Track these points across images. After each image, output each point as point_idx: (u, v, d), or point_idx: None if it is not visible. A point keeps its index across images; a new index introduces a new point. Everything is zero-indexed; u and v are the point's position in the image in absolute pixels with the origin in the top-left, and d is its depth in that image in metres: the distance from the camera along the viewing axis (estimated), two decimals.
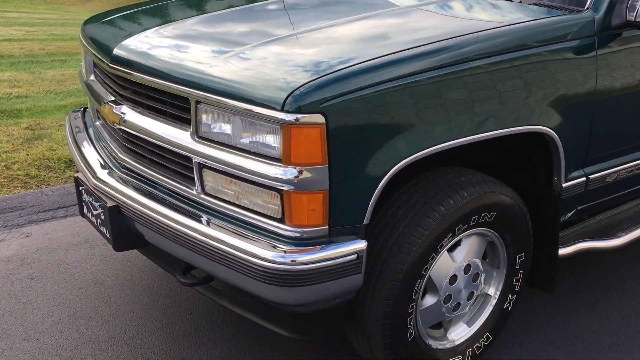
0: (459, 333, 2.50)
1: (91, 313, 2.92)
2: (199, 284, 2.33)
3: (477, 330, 2.52)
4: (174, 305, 2.97)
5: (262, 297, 2.04)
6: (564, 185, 2.50)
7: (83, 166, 2.62)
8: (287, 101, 1.83)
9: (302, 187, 1.88)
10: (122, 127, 2.38)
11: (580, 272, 3.27)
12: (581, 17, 2.41)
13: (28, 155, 4.73)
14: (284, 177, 1.88)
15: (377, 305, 2.14)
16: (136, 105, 2.36)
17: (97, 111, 2.69)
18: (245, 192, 2.01)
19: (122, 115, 2.36)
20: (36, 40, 9.57)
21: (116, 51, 2.41)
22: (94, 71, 2.80)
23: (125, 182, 2.40)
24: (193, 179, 2.14)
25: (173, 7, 3.18)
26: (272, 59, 2.14)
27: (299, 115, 1.83)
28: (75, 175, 2.65)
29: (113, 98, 2.48)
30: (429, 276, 2.25)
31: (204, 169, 2.09)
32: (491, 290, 2.53)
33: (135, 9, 3.10)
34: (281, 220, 1.95)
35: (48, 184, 4.36)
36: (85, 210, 2.62)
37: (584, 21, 2.40)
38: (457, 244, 2.32)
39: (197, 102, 2.04)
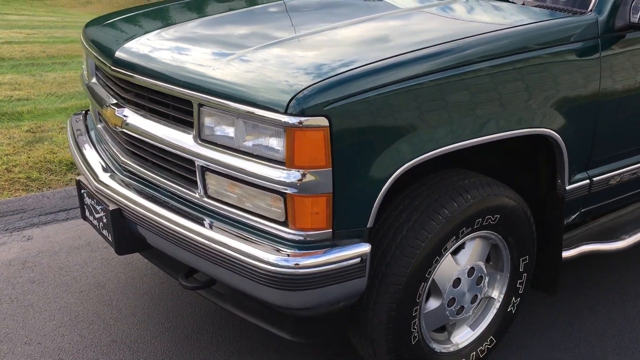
0: (463, 336, 2.49)
1: (93, 316, 2.91)
2: (202, 288, 2.32)
3: (481, 334, 2.52)
4: (175, 309, 2.96)
5: (265, 300, 2.03)
6: (567, 187, 2.49)
7: (85, 169, 2.61)
8: (291, 104, 1.83)
9: (306, 190, 1.87)
10: (124, 130, 2.37)
11: (582, 274, 3.26)
12: (584, 19, 2.40)
13: (29, 158, 4.72)
14: (288, 180, 1.87)
15: (381, 309, 2.13)
16: (138, 108, 2.35)
17: (99, 114, 2.68)
18: (248, 195, 2.00)
19: (124, 118, 2.35)
20: (37, 43, 9.56)
21: (118, 54, 2.40)
22: (96, 74, 2.79)
23: (128, 185, 2.39)
24: (196, 182, 2.13)
25: (175, 9, 3.18)
26: (274, 62, 2.14)
27: (302, 118, 1.82)
28: (77, 178, 2.65)
29: (115, 101, 2.47)
30: (433, 279, 2.24)
31: (207, 172, 2.08)
32: (495, 294, 2.52)
33: (137, 12, 3.10)
34: (284, 224, 1.94)
35: (49, 187, 4.35)
36: (87, 213, 2.61)
37: (587, 23, 2.39)
38: (461, 247, 2.31)
39: (200, 105, 2.03)
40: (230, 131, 1.99)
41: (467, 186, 2.21)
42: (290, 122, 1.82)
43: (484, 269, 2.41)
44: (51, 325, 2.85)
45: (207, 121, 2.04)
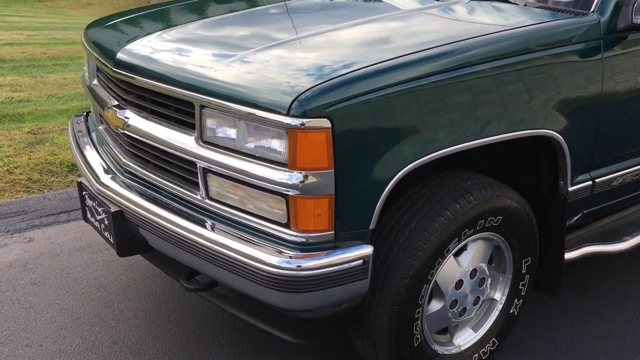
0: (465, 338, 2.49)
1: (94, 318, 2.90)
2: (204, 290, 2.31)
3: (483, 336, 2.51)
4: (177, 311, 2.96)
5: (267, 302, 2.03)
6: (570, 189, 2.49)
7: (86, 171, 2.61)
8: (293, 105, 1.82)
9: (308, 192, 1.87)
10: (125, 132, 2.37)
11: (584, 275, 3.26)
12: (587, 20, 2.40)
13: (30, 159, 4.72)
14: (290, 182, 1.86)
15: (383, 311, 2.12)
16: (140, 109, 2.35)
17: (100, 115, 2.68)
18: (250, 197, 2.00)
19: (126, 119, 2.35)
20: (37, 44, 9.56)
21: (119, 55, 2.40)
22: (97, 75, 2.79)
23: (129, 187, 2.39)
24: (197, 184, 2.13)
25: (176, 11, 3.18)
26: (276, 63, 2.13)
27: (304, 120, 1.82)
28: (78, 179, 2.65)
29: (116, 102, 2.47)
30: (435, 281, 2.24)
31: (209, 174, 2.08)
32: (497, 295, 2.51)
33: (138, 13, 3.10)
34: (287, 226, 1.94)
35: (50, 189, 4.35)
36: (88, 215, 2.61)
37: (590, 24, 2.39)
38: (463, 248, 2.31)
39: (202, 107, 2.03)
40: (232, 133, 1.99)
41: (470, 188, 2.21)
42: (292, 123, 1.82)
43: (487, 271, 2.41)
44: (52, 327, 2.84)
45: (209, 123, 2.04)
